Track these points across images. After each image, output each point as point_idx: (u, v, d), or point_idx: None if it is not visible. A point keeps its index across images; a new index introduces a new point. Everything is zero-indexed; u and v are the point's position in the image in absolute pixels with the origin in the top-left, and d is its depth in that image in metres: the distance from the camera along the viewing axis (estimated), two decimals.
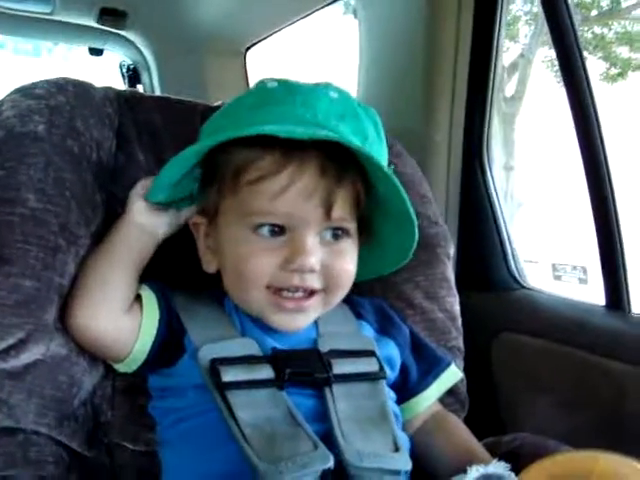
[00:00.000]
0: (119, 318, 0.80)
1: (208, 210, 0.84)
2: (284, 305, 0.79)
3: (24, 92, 0.91)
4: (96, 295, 0.80)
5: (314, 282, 0.79)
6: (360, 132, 0.81)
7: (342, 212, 0.79)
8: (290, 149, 0.76)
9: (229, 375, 0.76)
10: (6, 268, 0.77)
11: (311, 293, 0.80)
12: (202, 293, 0.87)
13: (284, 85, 0.81)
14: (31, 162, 0.84)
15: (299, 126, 0.75)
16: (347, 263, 0.83)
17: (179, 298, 0.86)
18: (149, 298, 0.83)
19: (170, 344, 0.82)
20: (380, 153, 0.83)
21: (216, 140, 0.76)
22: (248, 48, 2.41)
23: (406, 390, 0.91)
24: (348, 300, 0.93)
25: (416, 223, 0.83)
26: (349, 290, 0.93)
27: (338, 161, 0.77)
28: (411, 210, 0.80)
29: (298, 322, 0.82)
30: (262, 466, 0.68)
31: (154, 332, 0.81)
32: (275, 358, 0.79)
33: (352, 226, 0.83)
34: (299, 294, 0.80)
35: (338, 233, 0.81)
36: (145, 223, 0.85)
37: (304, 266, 0.77)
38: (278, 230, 0.78)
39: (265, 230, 0.78)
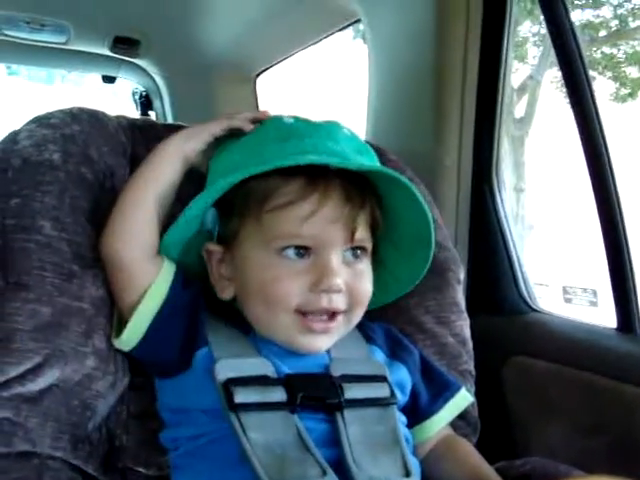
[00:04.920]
0: (142, 256, 0.82)
1: (225, 238, 0.85)
2: (312, 327, 0.81)
3: (40, 122, 0.93)
4: (123, 223, 0.82)
5: (340, 303, 0.81)
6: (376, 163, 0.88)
7: (363, 234, 0.83)
8: (314, 177, 0.79)
9: (242, 396, 0.76)
10: (24, 294, 0.79)
11: (334, 314, 0.82)
12: (227, 313, 0.88)
13: (302, 120, 0.86)
14: (46, 190, 0.85)
15: (332, 157, 0.80)
16: (367, 282, 0.86)
17: (206, 312, 0.87)
18: (166, 273, 0.84)
19: (178, 336, 0.83)
20: None
21: (263, 169, 0.78)
22: (258, 74, 2.44)
23: (416, 414, 0.92)
24: (359, 324, 0.94)
25: (433, 247, 0.88)
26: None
27: (360, 188, 0.82)
28: (433, 233, 0.87)
29: (323, 343, 0.83)
30: None
31: (153, 313, 0.82)
32: (288, 381, 0.79)
33: (370, 246, 0.86)
34: (324, 317, 0.82)
35: (357, 253, 0.84)
36: (184, 147, 0.87)
37: (332, 287, 0.79)
38: (304, 252, 0.80)
39: (291, 252, 0.80)
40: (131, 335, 0.83)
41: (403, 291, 0.99)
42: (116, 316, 0.86)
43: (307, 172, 0.79)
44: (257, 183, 0.80)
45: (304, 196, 0.79)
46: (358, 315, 0.86)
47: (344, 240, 0.81)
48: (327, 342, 0.84)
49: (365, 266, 0.86)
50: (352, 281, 0.82)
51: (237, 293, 0.86)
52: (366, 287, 0.85)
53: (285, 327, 0.82)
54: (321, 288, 0.79)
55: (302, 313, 0.81)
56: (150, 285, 0.82)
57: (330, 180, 0.80)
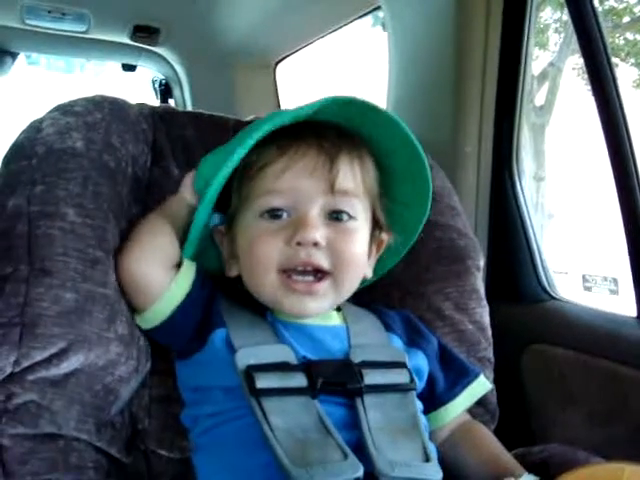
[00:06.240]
0: (158, 270, 0.85)
1: (229, 216, 0.89)
2: (294, 287, 0.82)
3: (63, 110, 0.94)
4: (145, 243, 0.86)
5: (320, 259, 0.82)
6: None
7: (347, 184, 0.84)
8: (288, 140, 0.83)
9: (263, 382, 0.77)
10: (48, 280, 0.80)
11: (321, 278, 0.83)
12: (246, 299, 0.89)
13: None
14: (70, 177, 0.86)
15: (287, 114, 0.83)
16: (353, 243, 0.85)
17: (223, 299, 0.89)
18: (188, 269, 0.86)
19: (194, 323, 0.85)
20: None
21: (238, 153, 0.81)
22: (278, 62, 2.44)
23: (434, 400, 0.92)
24: (376, 312, 0.94)
25: (428, 169, 0.91)
26: (377, 303, 0.95)
27: (334, 139, 0.84)
28: (422, 155, 0.89)
29: (309, 306, 0.84)
30: (294, 470, 0.69)
31: (178, 300, 0.84)
32: (309, 367, 0.80)
33: (359, 204, 0.86)
34: (309, 278, 0.82)
35: (343, 217, 0.84)
36: (190, 202, 0.90)
37: (307, 238, 0.80)
38: (280, 214, 0.83)
39: (271, 214, 0.83)
40: (154, 316, 0.85)
41: (409, 242, 0.98)
42: None
43: (283, 139, 0.83)
44: (241, 160, 0.83)
45: (278, 156, 0.83)
46: (347, 281, 0.86)
47: (324, 192, 0.82)
48: (314, 306, 0.84)
49: (354, 226, 0.85)
50: (335, 238, 0.83)
51: (239, 268, 0.88)
52: (351, 247, 0.84)
53: (270, 287, 0.83)
54: (296, 240, 0.80)
55: (286, 273, 0.82)
56: (175, 278, 0.85)
57: (303, 139, 0.83)
